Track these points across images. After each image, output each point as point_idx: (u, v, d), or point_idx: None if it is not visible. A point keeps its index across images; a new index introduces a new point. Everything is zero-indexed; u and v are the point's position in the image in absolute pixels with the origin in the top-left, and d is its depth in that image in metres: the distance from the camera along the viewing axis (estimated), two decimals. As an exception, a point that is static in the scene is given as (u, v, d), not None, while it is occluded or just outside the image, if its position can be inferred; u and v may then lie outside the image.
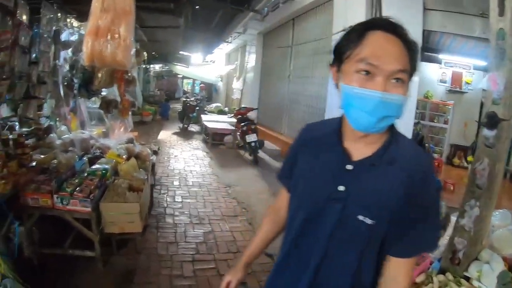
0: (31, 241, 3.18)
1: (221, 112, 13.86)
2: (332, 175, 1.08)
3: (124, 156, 4.63)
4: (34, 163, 3.51)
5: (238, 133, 8.78)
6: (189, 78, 23.02)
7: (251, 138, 7.71)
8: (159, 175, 6.42)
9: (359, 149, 1.07)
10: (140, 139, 10.18)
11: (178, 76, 23.71)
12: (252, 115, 8.70)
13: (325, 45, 6.77)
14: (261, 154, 8.24)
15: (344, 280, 1.09)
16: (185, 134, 12.00)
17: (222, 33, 11.58)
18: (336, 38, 4.57)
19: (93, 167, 3.97)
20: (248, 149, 7.87)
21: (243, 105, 11.23)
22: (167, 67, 19.94)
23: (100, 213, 3.25)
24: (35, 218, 3.11)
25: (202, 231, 4.35)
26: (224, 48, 16.27)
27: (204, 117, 12.08)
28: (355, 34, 0.98)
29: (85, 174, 3.63)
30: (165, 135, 11.52)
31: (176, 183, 6.12)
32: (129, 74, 4.67)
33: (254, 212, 5.04)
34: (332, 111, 6.18)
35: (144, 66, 19.50)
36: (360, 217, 1.02)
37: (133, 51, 3.55)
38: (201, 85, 24.24)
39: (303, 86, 8.06)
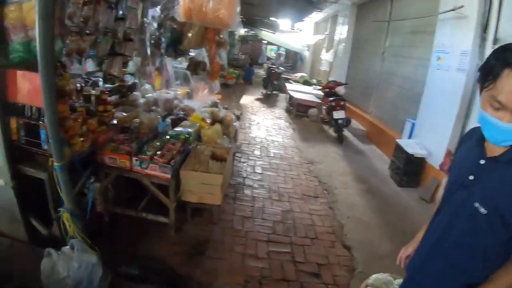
0: (105, 198, 3.14)
1: (306, 82, 13.22)
2: (469, 167, 1.28)
3: (208, 120, 4.44)
4: (115, 121, 3.42)
5: (324, 107, 8.23)
6: (274, 44, 22.44)
7: (339, 114, 7.11)
8: (240, 142, 6.23)
9: (494, 148, 1.22)
10: (222, 102, 10.10)
11: (263, 41, 23.29)
12: (340, 90, 8.02)
13: (428, 24, 5.86)
14: (345, 132, 7.59)
15: (451, 261, 1.32)
16: (268, 101, 11.70)
17: (315, 1, 10.84)
18: (442, 18, 4.42)
19: (176, 129, 3.83)
20: (334, 125, 7.30)
21: (331, 79, 10.53)
22: (252, 31, 19.57)
23: (179, 180, 3.08)
24: (111, 178, 3.03)
25: (281, 209, 4.04)
26: (313, 17, 15.42)
27: (289, 86, 11.59)
28: (494, 69, 1.10)
29: (167, 137, 3.48)
30: (248, 100, 11.35)
31: (257, 152, 5.87)
32: (221, 36, 4.34)
33: (335, 195, 4.60)
34: (431, 97, 5.42)
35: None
36: (476, 204, 1.20)
37: (238, 8, 3.20)
38: (279, 51, 23.48)
39: (398, 66, 7.14)
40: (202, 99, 6.81)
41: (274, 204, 4.12)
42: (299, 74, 15.35)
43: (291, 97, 9.90)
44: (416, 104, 6.02)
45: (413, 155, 5.13)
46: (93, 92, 3.25)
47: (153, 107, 4.47)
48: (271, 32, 17.10)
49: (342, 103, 7.30)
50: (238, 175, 4.79)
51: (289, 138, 7.11)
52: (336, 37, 11.53)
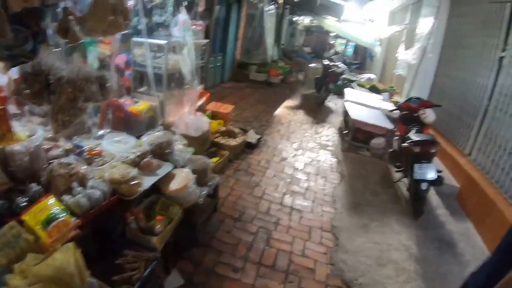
0: None
1: (374, 88, 9.68)
2: None
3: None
4: None
5: (397, 138, 5.05)
6: (343, 38, 18.88)
7: (425, 172, 3.81)
8: (227, 214, 3.41)
9: None
10: (246, 113, 7.30)
11: (331, 34, 19.84)
12: (428, 115, 4.63)
13: None
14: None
15: None
16: (317, 112, 8.58)
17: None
18: None
19: None
20: (412, 188, 4.02)
21: (411, 91, 7.10)
22: (315, 21, 16.37)
23: None
24: None
25: None
26: (388, 4, 11.89)
27: (348, 93, 8.25)
28: None
29: None
30: (288, 109, 8.38)
31: (238, 261, 2.88)
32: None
33: None
34: None
35: (288, 17, 16.44)
36: None
37: None
38: (332, 42, 19.82)
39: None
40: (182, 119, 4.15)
41: None
42: (366, 75, 11.86)
43: (346, 114, 6.70)
44: None
45: None
46: None
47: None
48: (335, 20, 13.73)
49: (433, 150, 3.98)
50: None
51: (326, 202, 4.05)
52: (419, 30, 7.97)
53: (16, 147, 2.03)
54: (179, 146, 3.35)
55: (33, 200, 1.87)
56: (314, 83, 10.06)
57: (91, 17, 2.11)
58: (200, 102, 5.11)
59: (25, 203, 1.84)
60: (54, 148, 2.42)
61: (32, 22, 2.02)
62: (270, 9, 11.07)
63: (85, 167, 2.25)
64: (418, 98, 5.11)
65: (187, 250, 2.76)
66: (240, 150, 4.95)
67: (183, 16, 4.84)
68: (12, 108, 4.13)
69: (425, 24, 7.52)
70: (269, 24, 11.20)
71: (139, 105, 4.20)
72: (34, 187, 1.98)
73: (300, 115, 7.98)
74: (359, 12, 13.02)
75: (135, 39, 4.34)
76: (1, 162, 1.98)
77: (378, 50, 13.10)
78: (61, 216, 1.76)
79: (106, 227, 2.29)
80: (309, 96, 10.24)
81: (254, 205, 3.66)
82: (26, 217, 1.70)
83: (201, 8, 4.93)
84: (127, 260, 2.01)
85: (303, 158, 5.28)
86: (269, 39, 11.32)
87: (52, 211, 1.76)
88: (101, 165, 2.45)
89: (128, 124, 4.11)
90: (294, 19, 18.34)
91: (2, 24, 1.66)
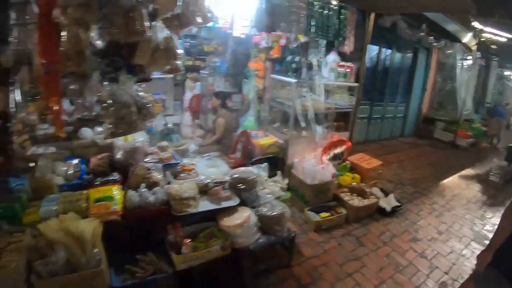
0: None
1: None
2: None
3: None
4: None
5: None
6: None
7: None
8: (296, 275, 3.15)
9: None
10: (407, 174, 6.45)
11: None
12: None
13: None
14: None
15: None
16: (500, 190, 6.82)
17: None
18: None
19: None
20: None
21: None
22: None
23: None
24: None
25: None
26: None
27: None
28: None
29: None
30: (462, 179, 7.08)
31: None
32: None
33: None
34: None
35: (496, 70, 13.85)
36: None
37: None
38: None
39: None
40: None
41: None
42: None
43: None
44: None
45: None
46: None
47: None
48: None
49: None
50: None
51: None
52: None
53: (119, 142, 2.90)
54: (274, 187, 3.25)
55: (106, 183, 2.52)
56: (506, 152, 8.18)
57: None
58: (336, 150, 4.82)
59: (97, 183, 2.51)
60: (154, 154, 3.10)
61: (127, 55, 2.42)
62: (466, 59, 9.65)
63: (161, 176, 2.76)
64: None
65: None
66: (365, 213, 4.45)
67: (332, 56, 4.72)
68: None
69: None
70: (465, 77, 9.80)
71: (264, 139, 4.25)
72: (115, 175, 2.66)
73: (474, 190, 6.55)
74: None
75: (272, 76, 4.58)
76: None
77: None
78: (107, 201, 2.25)
79: (150, 229, 2.58)
80: (500, 169, 8.37)
81: (332, 281, 3.11)
82: (91, 191, 2.34)
83: (349, 48, 4.70)
84: (144, 260, 2.31)
85: (441, 246, 4.20)
86: (463, 94, 9.87)
87: (107, 195, 2.29)
88: (179, 179, 2.83)
89: (250, 154, 4.21)
90: (506, 73, 15.42)
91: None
